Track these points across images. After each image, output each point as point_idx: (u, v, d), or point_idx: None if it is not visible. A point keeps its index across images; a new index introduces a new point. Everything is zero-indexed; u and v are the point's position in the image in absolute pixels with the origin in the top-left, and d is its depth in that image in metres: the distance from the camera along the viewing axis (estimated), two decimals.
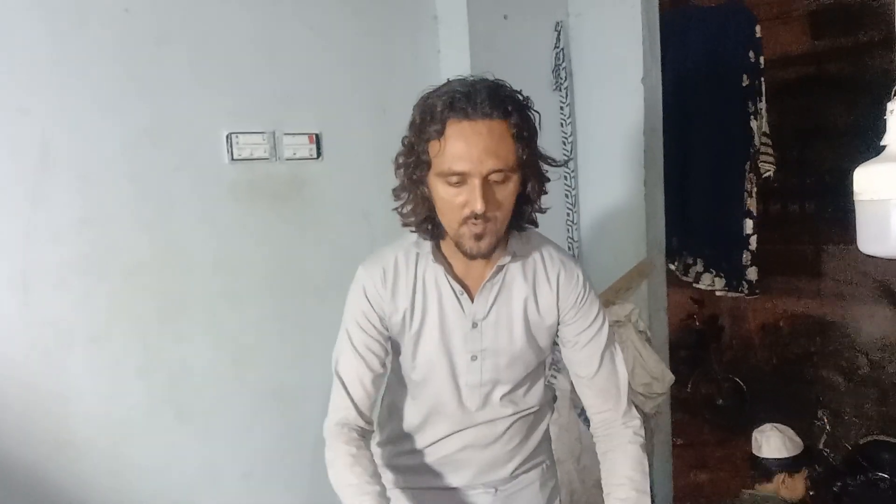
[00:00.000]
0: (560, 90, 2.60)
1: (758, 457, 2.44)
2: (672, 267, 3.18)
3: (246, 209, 2.02)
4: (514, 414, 1.46)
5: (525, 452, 1.53)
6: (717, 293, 3.16)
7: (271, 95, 2.05)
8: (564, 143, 2.64)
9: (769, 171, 2.91)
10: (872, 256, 1.23)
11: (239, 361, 2.03)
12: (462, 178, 1.21)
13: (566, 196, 2.64)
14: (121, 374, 1.83)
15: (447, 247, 1.37)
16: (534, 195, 1.33)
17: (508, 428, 1.47)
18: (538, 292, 1.41)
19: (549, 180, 1.36)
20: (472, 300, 1.37)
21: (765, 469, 2.42)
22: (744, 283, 2.99)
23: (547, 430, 1.62)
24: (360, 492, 1.24)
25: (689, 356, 5.35)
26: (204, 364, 1.98)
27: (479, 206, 1.20)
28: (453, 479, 1.50)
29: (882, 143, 1.22)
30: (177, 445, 1.94)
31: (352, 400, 1.37)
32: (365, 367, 1.39)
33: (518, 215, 1.34)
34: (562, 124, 2.64)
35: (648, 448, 2.45)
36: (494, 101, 1.20)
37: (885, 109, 1.20)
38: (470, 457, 1.48)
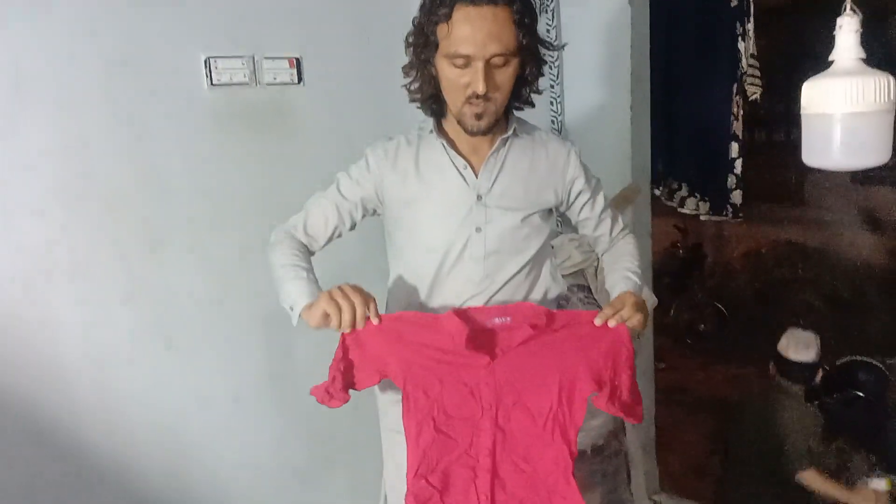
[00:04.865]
0: (546, 12, 2.54)
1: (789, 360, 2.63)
2: (657, 192, 3.17)
3: (226, 135, 1.99)
4: (515, 294, 1.51)
5: None
6: (702, 217, 3.16)
7: (250, 17, 1.99)
8: (551, 68, 2.60)
9: (756, 93, 2.88)
10: (818, 169, 1.28)
11: (224, 288, 2.04)
12: (466, 61, 1.31)
13: (552, 122, 2.61)
14: (106, 303, 1.84)
15: (450, 125, 1.47)
16: (531, 77, 1.45)
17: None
18: (540, 169, 1.50)
19: (546, 63, 1.48)
20: (477, 176, 1.45)
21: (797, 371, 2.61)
22: (728, 206, 2.99)
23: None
24: (292, 267, 1.40)
25: (673, 283, 5.41)
26: (189, 291, 1.98)
27: (480, 88, 1.31)
28: None
29: (830, 59, 1.24)
30: (165, 372, 1.96)
31: (305, 229, 1.50)
32: (335, 210, 1.49)
33: (516, 96, 1.45)
34: (548, 47, 2.58)
35: None
36: None
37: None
38: None
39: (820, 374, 2.78)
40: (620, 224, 1.64)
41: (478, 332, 1.34)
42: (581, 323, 1.36)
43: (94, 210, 1.80)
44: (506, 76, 1.35)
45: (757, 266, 5.85)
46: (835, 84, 1.19)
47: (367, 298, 1.30)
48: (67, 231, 1.76)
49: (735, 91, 2.88)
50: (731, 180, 2.95)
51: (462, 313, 1.36)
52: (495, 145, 1.45)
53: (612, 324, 1.32)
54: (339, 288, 1.29)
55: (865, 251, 5.38)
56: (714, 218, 3.11)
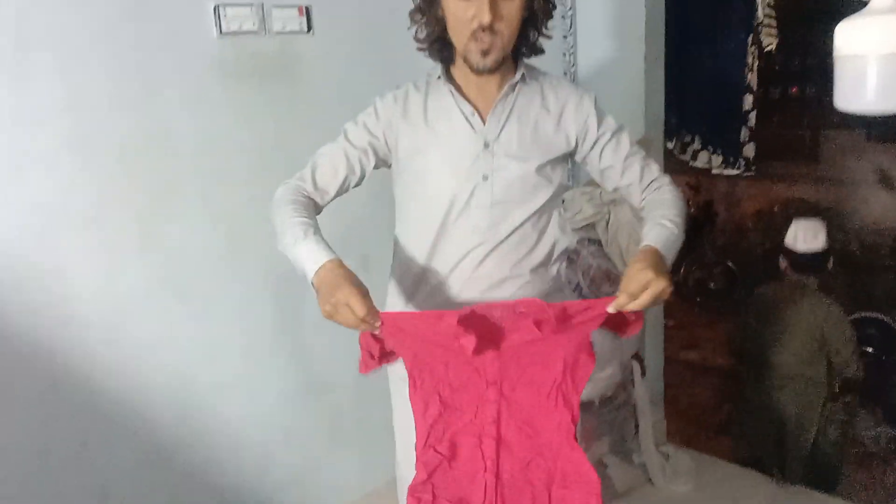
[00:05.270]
0: None
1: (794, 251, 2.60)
2: (670, 146, 3.15)
3: (235, 85, 1.98)
4: (521, 244, 1.49)
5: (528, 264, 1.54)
6: (714, 171, 3.14)
7: None
8: (564, 18, 2.56)
9: (772, 44, 2.83)
10: (851, 113, 1.23)
11: (234, 241, 2.04)
12: None
13: (565, 73, 2.58)
14: (118, 254, 1.85)
15: (459, 71, 1.44)
16: (539, 18, 1.41)
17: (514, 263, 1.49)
18: (551, 116, 1.47)
19: (555, 7, 1.44)
20: (484, 123, 1.43)
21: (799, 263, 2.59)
22: (741, 159, 2.97)
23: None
24: (298, 225, 1.33)
25: (683, 242, 5.38)
26: (199, 244, 1.99)
27: (486, 18, 1.29)
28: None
29: None
30: (175, 323, 1.98)
31: (314, 181, 1.45)
32: (344, 159, 1.46)
33: (524, 39, 1.42)
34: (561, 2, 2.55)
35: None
36: None
37: None
38: (481, 274, 1.49)
39: (831, 262, 2.71)
40: (654, 171, 1.52)
41: (483, 330, 1.29)
42: (593, 308, 1.29)
43: (105, 162, 1.80)
44: (512, 8, 1.33)
45: (768, 224, 5.79)
46: (871, 23, 1.15)
47: (363, 317, 1.20)
48: (78, 183, 1.77)
49: (750, 41, 2.84)
50: (745, 133, 2.93)
51: (466, 318, 1.28)
52: (503, 91, 1.43)
53: (633, 306, 1.22)
54: (334, 306, 1.21)
55: (879, 210, 5.31)
56: (726, 172, 3.09)
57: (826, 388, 2.63)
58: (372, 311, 1.21)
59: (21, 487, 1.76)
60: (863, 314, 3.66)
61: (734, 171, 3.03)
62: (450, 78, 1.45)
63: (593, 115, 1.49)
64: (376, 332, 1.27)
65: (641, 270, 1.21)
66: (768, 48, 2.83)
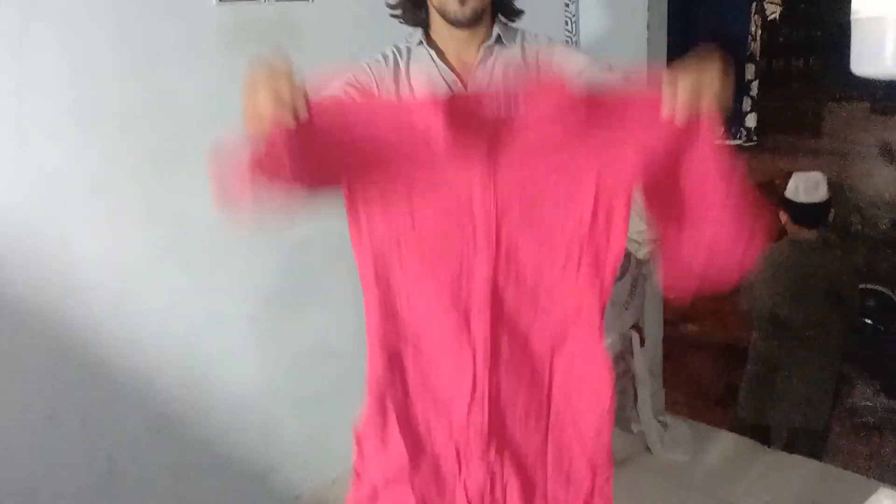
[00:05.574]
0: None
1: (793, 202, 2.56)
2: None
3: (236, 56, 1.96)
4: None
5: None
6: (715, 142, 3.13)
7: None
8: None
9: (775, 12, 2.82)
10: (865, 78, 1.20)
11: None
12: None
13: (567, 41, 2.56)
14: (123, 223, 1.86)
15: (437, 34, 1.40)
16: None
17: None
18: (531, 74, 1.40)
19: None
20: (466, 90, 1.40)
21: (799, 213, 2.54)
22: (742, 129, 2.96)
23: None
24: None
25: None
26: (204, 213, 1.98)
27: None
28: None
29: None
30: (181, 291, 1.99)
31: None
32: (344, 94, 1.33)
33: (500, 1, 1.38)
34: None
35: (640, 295, 2.52)
36: None
37: None
38: None
39: (832, 214, 2.65)
40: None
41: (470, 120, 0.90)
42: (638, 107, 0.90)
43: (109, 132, 1.80)
44: None
45: (770, 197, 5.79)
46: None
47: (283, 74, 0.96)
48: (83, 153, 1.77)
49: (754, 10, 2.81)
50: (747, 103, 2.91)
51: (447, 101, 0.89)
52: (480, 55, 1.38)
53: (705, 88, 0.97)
54: (253, 80, 0.99)
55: (881, 183, 5.30)
56: (727, 142, 3.07)
57: (841, 347, 2.60)
58: (293, 73, 0.91)
59: (28, 455, 1.78)
60: (864, 286, 3.66)
61: (735, 142, 3.01)
62: (430, 42, 1.41)
63: (563, 52, 1.43)
64: (290, 123, 0.88)
65: (689, 62, 0.99)
66: (772, 17, 2.81)
